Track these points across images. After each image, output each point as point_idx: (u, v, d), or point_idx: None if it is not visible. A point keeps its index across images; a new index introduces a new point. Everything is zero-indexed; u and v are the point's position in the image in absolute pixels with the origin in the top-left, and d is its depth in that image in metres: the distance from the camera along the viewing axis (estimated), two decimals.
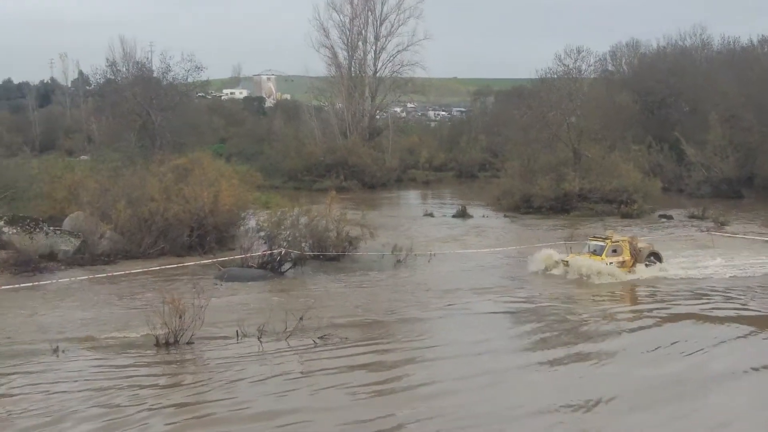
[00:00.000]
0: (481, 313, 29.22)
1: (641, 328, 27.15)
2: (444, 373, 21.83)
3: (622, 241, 35.98)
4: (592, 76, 74.47)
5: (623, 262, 35.31)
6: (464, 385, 20.70)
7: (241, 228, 42.04)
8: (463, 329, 26.78)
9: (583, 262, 34.98)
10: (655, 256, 36.35)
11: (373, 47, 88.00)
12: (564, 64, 65.72)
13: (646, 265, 35.54)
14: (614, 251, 35.41)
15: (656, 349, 24.47)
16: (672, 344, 24.86)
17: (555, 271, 35.41)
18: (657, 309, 29.59)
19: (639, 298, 32.21)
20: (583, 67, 66.77)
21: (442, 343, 25.26)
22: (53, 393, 19.86)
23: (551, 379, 21.64)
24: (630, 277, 34.72)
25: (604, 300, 31.60)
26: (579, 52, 65.65)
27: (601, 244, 35.77)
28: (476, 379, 21.19)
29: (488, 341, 25.22)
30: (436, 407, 19.01)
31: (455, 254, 40.34)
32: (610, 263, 34.90)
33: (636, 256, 35.63)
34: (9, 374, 21.45)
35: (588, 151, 61.07)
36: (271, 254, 36.59)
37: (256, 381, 20.95)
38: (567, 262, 35.28)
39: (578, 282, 34.23)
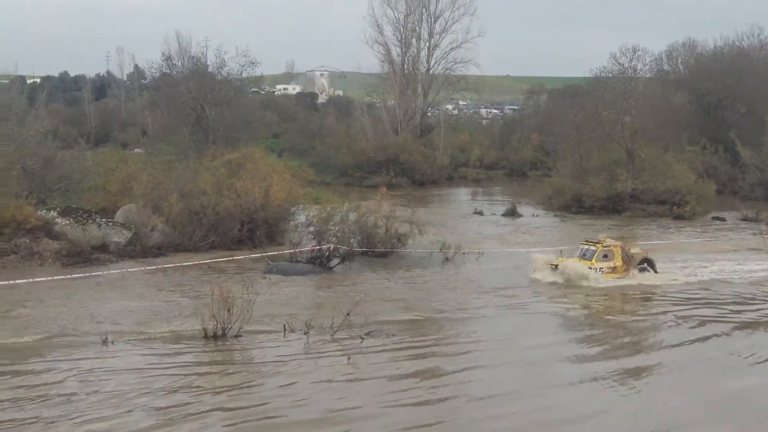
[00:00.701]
0: (531, 313, 29.20)
1: (705, 337, 26.34)
2: (491, 375, 21.74)
3: (614, 246, 35.03)
4: (647, 76, 73.79)
5: (614, 267, 34.45)
6: (518, 396, 20.25)
7: (291, 223, 42.26)
8: (514, 330, 26.62)
9: (570, 266, 34.00)
10: (649, 263, 35.24)
11: (427, 44, 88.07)
12: (619, 63, 65.40)
13: (639, 271, 34.61)
14: (605, 256, 34.49)
15: (731, 355, 23.99)
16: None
17: (539, 275, 34.48)
18: (721, 315, 29.08)
19: (694, 302, 31.50)
20: (639, 66, 66.39)
21: (491, 344, 25.11)
22: (102, 383, 20.16)
23: (619, 399, 20.46)
24: (613, 283, 33.61)
25: (660, 302, 31.21)
26: (635, 51, 65.28)
27: (592, 248, 34.89)
28: (531, 390, 20.63)
29: (542, 346, 24.92)
30: (484, 411, 18.98)
31: (504, 253, 40.19)
32: (600, 268, 34.09)
33: (628, 262, 34.64)
34: (60, 363, 21.86)
35: (641, 152, 60.55)
36: (319, 249, 36.76)
37: (301, 376, 21.08)
38: (556, 265, 34.28)
39: (634, 285, 33.86)
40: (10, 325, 25.79)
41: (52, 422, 17.50)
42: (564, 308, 29.90)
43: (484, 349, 24.47)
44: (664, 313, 29.51)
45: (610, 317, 28.75)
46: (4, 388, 19.73)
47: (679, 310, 29.87)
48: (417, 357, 23.23)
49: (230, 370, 22.12)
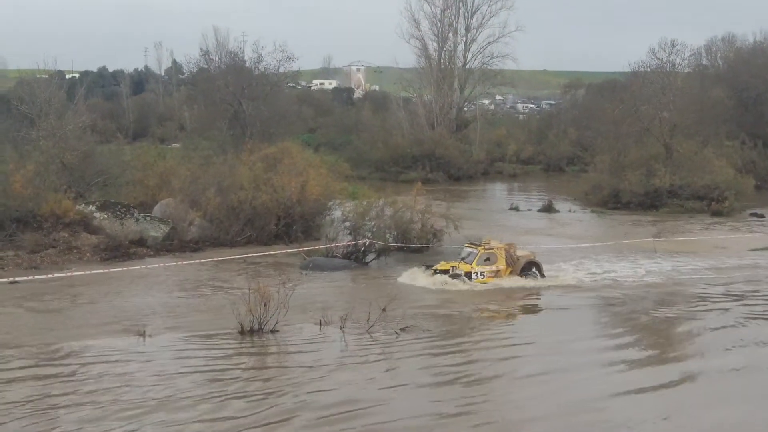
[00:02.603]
0: (566, 310, 29.02)
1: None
2: (528, 373, 21.57)
3: (497, 248, 33.05)
4: (686, 71, 73.13)
5: (497, 271, 32.61)
6: (554, 412, 19.38)
7: (327, 218, 42.33)
8: (550, 328, 26.51)
9: (439, 278, 32.05)
10: (536, 267, 33.36)
11: (464, 39, 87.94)
12: (658, 58, 65.05)
13: (525, 276, 32.79)
14: (487, 259, 32.54)
15: None
16: None
17: (410, 278, 32.70)
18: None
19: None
20: (677, 60, 65.95)
21: (528, 342, 24.94)
22: (139, 377, 20.33)
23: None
24: (483, 287, 31.74)
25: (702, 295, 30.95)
26: (673, 45, 64.90)
27: (474, 251, 32.87)
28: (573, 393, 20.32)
29: (572, 341, 24.81)
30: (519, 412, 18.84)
31: (541, 249, 39.94)
32: (482, 272, 32.23)
33: (513, 265, 32.94)
34: (97, 357, 22.08)
35: (680, 147, 60.11)
36: (355, 245, 36.84)
37: (337, 370, 21.09)
38: (435, 271, 32.45)
39: (671, 280, 33.56)
40: (48, 319, 26.08)
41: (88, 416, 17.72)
42: (604, 306, 29.67)
43: (521, 345, 24.32)
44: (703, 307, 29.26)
45: (651, 317, 28.40)
46: (42, 379, 19.96)
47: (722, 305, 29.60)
48: (451, 353, 23.17)
49: (266, 364, 22.25)
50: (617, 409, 18.95)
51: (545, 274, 33.49)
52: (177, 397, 18.84)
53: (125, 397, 18.73)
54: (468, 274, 32.00)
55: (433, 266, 32.86)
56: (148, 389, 19.27)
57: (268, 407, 18.38)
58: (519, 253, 33.64)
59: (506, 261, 32.83)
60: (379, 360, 22.26)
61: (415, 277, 32.74)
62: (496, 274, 32.59)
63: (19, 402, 18.26)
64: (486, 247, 32.87)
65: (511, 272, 32.85)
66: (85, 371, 20.68)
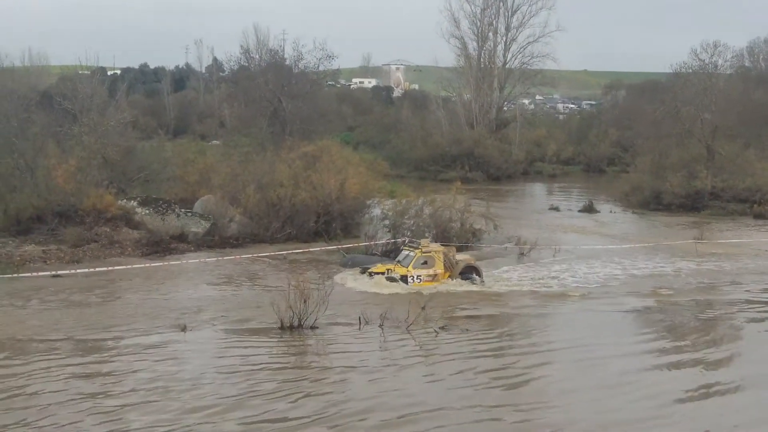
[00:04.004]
0: (610, 312, 28.61)
1: None
2: (570, 378, 21.20)
3: (435, 251, 31.85)
4: (728, 72, 72.43)
5: (435, 274, 31.41)
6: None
7: (366, 216, 42.40)
8: (592, 330, 26.15)
9: (376, 279, 31.07)
10: (475, 271, 32.17)
11: (504, 38, 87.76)
12: (700, 59, 64.51)
13: (463, 279, 31.67)
14: (425, 263, 31.38)
15: None
16: None
17: (349, 281, 31.33)
18: None
19: None
20: (720, 62, 65.37)
21: (565, 344, 24.58)
22: (180, 372, 20.41)
23: None
24: (406, 290, 30.38)
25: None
26: (715, 46, 64.36)
27: (411, 254, 31.86)
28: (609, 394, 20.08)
29: (617, 345, 24.63)
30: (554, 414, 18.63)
31: (581, 249, 39.77)
32: (418, 276, 31.11)
33: (451, 269, 31.75)
34: (138, 351, 22.25)
35: (722, 149, 59.50)
36: (394, 243, 36.83)
37: (376, 369, 21.06)
38: (372, 273, 31.33)
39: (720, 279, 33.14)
40: (89, 313, 26.31)
41: (131, 406, 17.85)
42: (642, 306, 29.41)
43: (558, 348, 24.02)
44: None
45: (699, 320, 28.12)
46: (87, 372, 20.15)
47: None
48: (490, 352, 23.07)
49: (305, 361, 22.29)
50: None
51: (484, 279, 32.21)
52: (227, 394, 18.83)
53: (171, 393, 18.75)
54: (404, 278, 30.94)
55: (369, 268, 31.85)
56: (191, 386, 19.29)
57: (326, 407, 18.29)
58: (458, 257, 32.53)
59: (444, 265, 31.70)
60: (417, 359, 22.14)
61: (347, 278, 31.63)
62: (434, 278, 31.38)
63: (59, 391, 18.46)
64: (423, 249, 31.76)
65: (449, 276, 31.66)
66: (128, 366, 20.77)
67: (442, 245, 32.93)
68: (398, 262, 31.91)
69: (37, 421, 16.88)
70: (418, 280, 31.11)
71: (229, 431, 16.86)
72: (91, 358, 21.49)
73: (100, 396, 18.39)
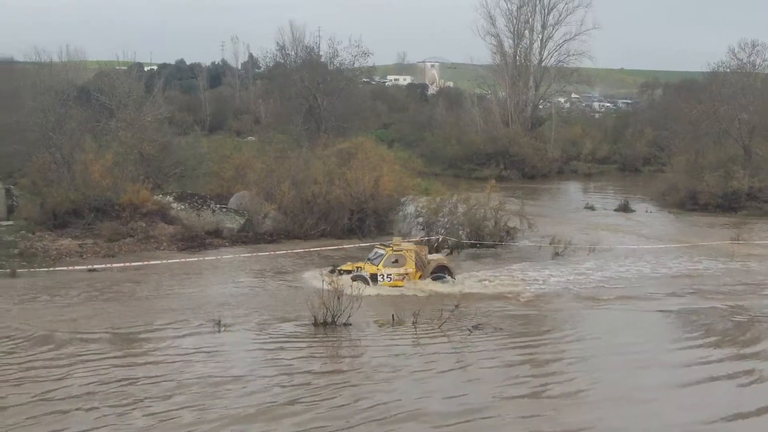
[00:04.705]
0: (646, 312, 28.41)
1: None
2: (607, 383, 20.84)
3: (407, 250, 31.18)
4: (766, 72, 71.55)
5: (406, 274, 30.77)
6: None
7: (400, 213, 42.39)
8: (622, 326, 26.10)
9: (344, 279, 29.48)
10: (447, 271, 31.53)
11: (540, 36, 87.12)
12: (737, 58, 63.75)
13: (434, 279, 31.03)
14: (395, 261, 30.75)
15: None
16: None
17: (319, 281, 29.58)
18: None
19: None
20: (758, 61, 64.53)
21: (598, 342, 24.44)
22: (215, 367, 20.51)
23: None
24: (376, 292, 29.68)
25: None
26: (754, 46, 63.61)
27: (382, 252, 31.28)
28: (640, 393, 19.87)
29: (657, 348, 24.38)
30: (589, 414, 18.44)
31: (616, 249, 39.51)
32: (389, 275, 30.46)
33: (422, 268, 31.12)
34: (176, 343, 22.38)
35: (759, 149, 58.86)
36: (428, 240, 36.79)
37: (407, 366, 20.99)
38: (341, 271, 30.41)
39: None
40: (124, 307, 26.50)
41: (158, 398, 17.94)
42: (678, 307, 29.13)
43: (590, 347, 23.74)
44: None
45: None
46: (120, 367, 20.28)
47: None
48: (524, 352, 22.96)
49: (345, 359, 22.36)
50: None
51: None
52: (274, 392, 18.88)
53: (216, 390, 18.85)
54: (374, 276, 30.39)
55: (339, 267, 31.13)
56: (236, 383, 19.33)
57: (374, 405, 18.31)
58: (430, 256, 32.00)
59: (416, 264, 31.02)
60: (450, 357, 22.05)
61: (316, 276, 30.14)
62: (405, 277, 30.76)
63: (102, 385, 18.59)
64: (395, 248, 31.16)
65: (421, 276, 31.04)
66: (169, 362, 20.93)
67: (414, 244, 32.39)
68: (369, 260, 31.33)
69: (84, 414, 17.01)
70: (389, 279, 30.51)
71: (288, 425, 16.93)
72: (130, 353, 21.72)
73: (145, 392, 18.46)
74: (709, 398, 19.70)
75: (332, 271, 30.16)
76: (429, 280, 31.02)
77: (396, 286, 30.39)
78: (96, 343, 22.25)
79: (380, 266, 30.56)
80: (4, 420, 16.63)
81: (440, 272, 31.34)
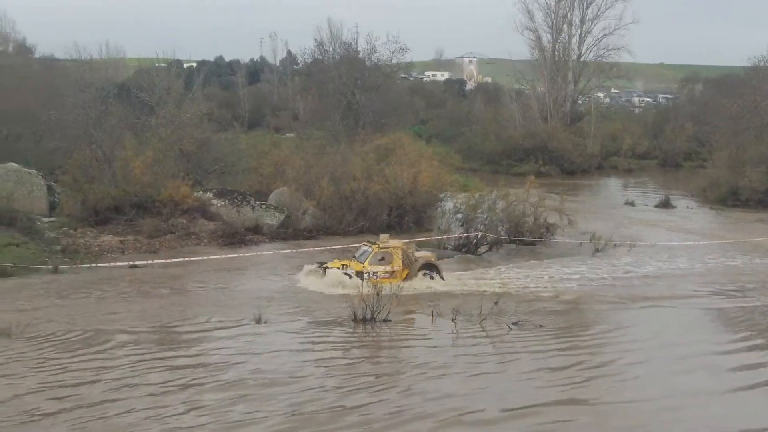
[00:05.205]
0: (690, 310, 28.10)
1: None
2: (654, 389, 20.36)
3: (393, 248, 30.32)
4: None
5: (392, 272, 29.90)
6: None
7: (439, 209, 42.30)
8: (670, 326, 25.72)
9: (332, 271, 29.69)
10: (434, 268, 30.60)
11: (579, 31, 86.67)
12: None
13: (423, 275, 30.15)
14: (382, 259, 29.96)
15: None
16: None
17: (306, 281, 29.90)
18: None
19: None
20: None
21: (645, 343, 23.81)
22: (256, 362, 20.57)
23: None
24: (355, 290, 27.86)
25: None
26: None
27: (368, 249, 30.54)
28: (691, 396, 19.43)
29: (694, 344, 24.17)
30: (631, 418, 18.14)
31: (657, 246, 39.18)
32: (375, 273, 29.58)
33: (410, 266, 30.17)
34: (220, 339, 22.55)
35: None
36: (467, 237, 36.72)
37: (452, 364, 20.90)
38: (326, 268, 29.87)
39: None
40: (166, 303, 26.68)
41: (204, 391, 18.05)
42: (722, 305, 28.80)
43: (639, 348, 23.18)
44: None
45: None
46: (162, 363, 20.43)
47: None
48: (565, 350, 22.80)
49: (379, 354, 22.38)
50: None
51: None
52: (329, 386, 18.88)
53: (256, 384, 18.89)
54: (359, 274, 29.56)
55: (325, 264, 30.63)
56: (289, 379, 19.31)
57: (424, 402, 18.20)
58: (417, 254, 31.15)
59: (403, 262, 30.18)
60: (490, 354, 21.97)
61: (307, 275, 30.16)
62: (391, 275, 29.83)
63: (153, 384, 18.72)
64: (381, 245, 30.41)
65: (407, 274, 30.10)
66: (209, 355, 21.10)
67: (402, 242, 31.72)
68: (354, 257, 30.63)
69: (136, 412, 17.02)
70: (375, 277, 29.55)
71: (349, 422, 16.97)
72: (174, 349, 21.79)
73: (194, 388, 18.50)
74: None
75: (317, 269, 29.98)
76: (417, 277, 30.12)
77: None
78: (140, 339, 22.39)
79: (366, 264, 29.81)
80: (56, 418, 16.73)
81: (427, 270, 30.51)
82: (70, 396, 17.87)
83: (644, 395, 19.13)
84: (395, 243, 30.93)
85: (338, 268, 29.74)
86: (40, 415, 16.75)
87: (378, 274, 29.65)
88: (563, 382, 19.79)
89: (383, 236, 31.46)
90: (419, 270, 30.21)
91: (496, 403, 18.13)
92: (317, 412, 17.29)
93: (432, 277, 30.13)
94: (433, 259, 31.09)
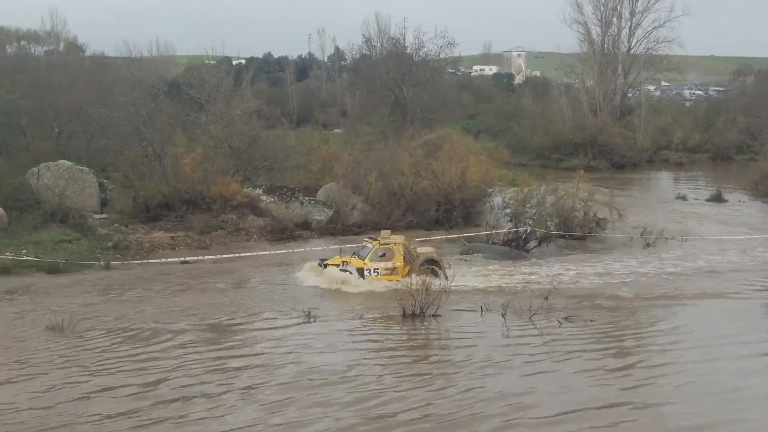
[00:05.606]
0: (747, 305, 27.67)
1: None
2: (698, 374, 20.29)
3: (395, 244, 29.88)
4: None
5: (394, 268, 29.54)
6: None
7: (487, 204, 42.17)
8: (724, 322, 25.27)
9: (330, 268, 29.32)
10: (436, 264, 29.94)
11: (628, 23, 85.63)
12: None
13: (425, 272, 28.91)
14: (383, 255, 29.58)
15: None
16: None
17: (305, 275, 29.93)
18: None
19: None
20: None
21: (700, 340, 23.35)
22: (307, 358, 20.69)
23: None
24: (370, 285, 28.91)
25: None
26: None
27: (369, 245, 30.12)
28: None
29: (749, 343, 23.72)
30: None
31: (709, 240, 38.69)
32: (376, 269, 29.38)
33: (411, 262, 29.66)
34: (272, 336, 22.70)
35: None
36: (516, 232, 36.55)
37: (502, 361, 20.81)
38: (326, 265, 29.59)
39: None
40: (218, 299, 26.89)
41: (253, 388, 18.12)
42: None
43: (693, 346, 22.71)
44: None
45: None
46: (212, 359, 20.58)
47: None
48: (616, 345, 22.64)
49: (432, 351, 22.33)
50: None
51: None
52: (383, 386, 18.84)
53: (311, 379, 19.01)
54: (360, 271, 29.35)
55: (326, 260, 30.06)
56: (342, 377, 19.33)
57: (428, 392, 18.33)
58: (419, 249, 30.65)
59: (405, 258, 29.75)
60: (539, 349, 21.80)
61: (308, 272, 30.07)
62: (393, 271, 29.55)
63: (208, 384, 18.88)
64: (382, 241, 29.99)
65: (409, 270, 29.47)
66: (264, 351, 21.21)
67: (403, 237, 31.07)
68: (355, 254, 30.18)
69: (195, 413, 17.15)
70: (375, 274, 29.44)
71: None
72: (228, 345, 22.03)
73: (252, 386, 18.56)
74: None
75: (319, 265, 29.82)
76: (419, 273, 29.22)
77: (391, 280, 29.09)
78: (193, 336, 22.58)
79: (366, 260, 29.46)
80: (118, 411, 16.93)
81: (430, 266, 29.91)
82: (132, 394, 17.99)
83: (707, 395, 18.79)
84: (397, 239, 30.47)
85: (337, 265, 29.41)
86: (100, 415, 16.81)
87: (379, 271, 29.44)
88: (619, 382, 19.52)
89: (384, 232, 31.04)
90: (421, 266, 29.69)
91: (553, 403, 17.91)
92: (379, 410, 17.31)
93: (436, 274, 29.25)
94: (435, 255, 30.57)
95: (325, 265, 29.57)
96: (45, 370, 19.32)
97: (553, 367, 20.45)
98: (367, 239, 31.37)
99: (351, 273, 29.20)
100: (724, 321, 25.38)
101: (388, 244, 29.93)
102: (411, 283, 25.76)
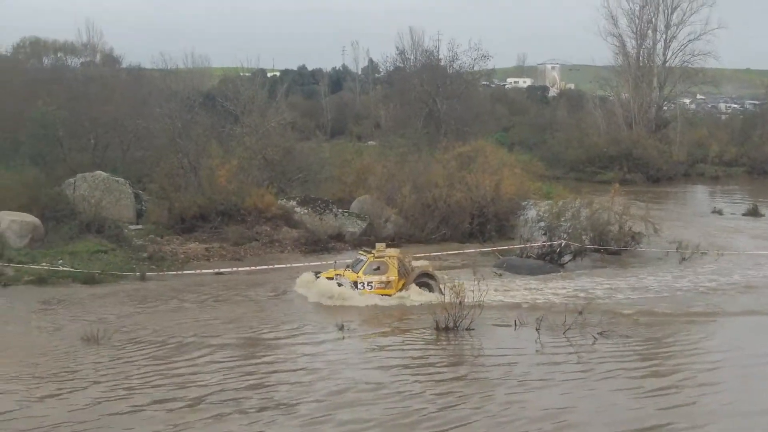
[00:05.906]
0: None
1: None
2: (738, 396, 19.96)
3: (389, 257, 29.21)
4: None
5: (388, 282, 28.82)
6: None
7: (521, 218, 41.99)
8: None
9: (322, 281, 28.94)
10: (431, 278, 29.35)
11: (663, 36, 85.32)
12: None
13: (419, 286, 28.89)
14: (377, 268, 28.87)
15: None
16: None
17: (302, 289, 29.53)
18: None
19: None
20: None
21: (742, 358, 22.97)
22: (349, 372, 20.62)
23: None
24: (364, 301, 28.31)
25: None
26: None
27: (363, 258, 29.46)
28: None
29: None
30: None
31: (746, 255, 38.28)
32: (369, 283, 28.62)
33: (406, 276, 29.02)
34: (302, 348, 22.71)
35: None
36: (550, 245, 36.38)
37: (537, 377, 20.63)
38: (318, 276, 29.34)
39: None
40: (253, 311, 26.97)
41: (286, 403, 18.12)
42: None
43: (733, 364, 22.23)
44: None
45: None
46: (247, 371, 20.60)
47: None
48: (653, 363, 22.38)
49: (467, 366, 22.21)
50: None
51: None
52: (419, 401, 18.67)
53: (346, 394, 18.96)
54: (354, 284, 28.77)
55: (320, 273, 29.76)
56: (376, 389, 19.24)
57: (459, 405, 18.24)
58: (415, 263, 29.92)
59: (399, 271, 29.06)
60: (574, 366, 21.62)
61: (305, 285, 29.69)
62: (387, 285, 28.86)
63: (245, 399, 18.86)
64: (376, 254, 29.32)
65: (404, 284, 28.99)
66: (301, 369, 21.03)
67: (398, 251, 30.57)
68: (348, 267, 29.71)
69: (228, 419, 17.17)
70: (369, 287, 28.78)
71: None
72: (263, 358, 21.97)
73: (288, 400, 18.46)
74: None
75: (316, 276, 29.49)
76: (413, 288, 29.05)
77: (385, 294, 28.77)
78: (230, 350, 22.54)
79: (360, 273, 28.84)
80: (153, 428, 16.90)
81: (424, 279, 29.41)
82: (170, 410, 17.89)
83: (749, 415, 18.38)
84: (391, 252, 29.97)
85: (330, 278, 29.05)
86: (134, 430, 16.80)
87: (373, 284, 28.92)
88: (658, 401, 19.07)
89: (379, 245, 30.49)
90: (416, 279, 29.26)
91: (598, 422, 17.62)
92: (421, 426, 17.17)
93: (430, 289, 28.93)
94: (430, 269, 30.03)
95: (318, 278, 29.37)
96: (83, 385, 19.29)
97: (591, 386, 20.13)
98: (361, 252, 30.87)
99: (342, 285, 28.64)
100: (764, 338, 25.06)
101: (383, 257, 29.36)
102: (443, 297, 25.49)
